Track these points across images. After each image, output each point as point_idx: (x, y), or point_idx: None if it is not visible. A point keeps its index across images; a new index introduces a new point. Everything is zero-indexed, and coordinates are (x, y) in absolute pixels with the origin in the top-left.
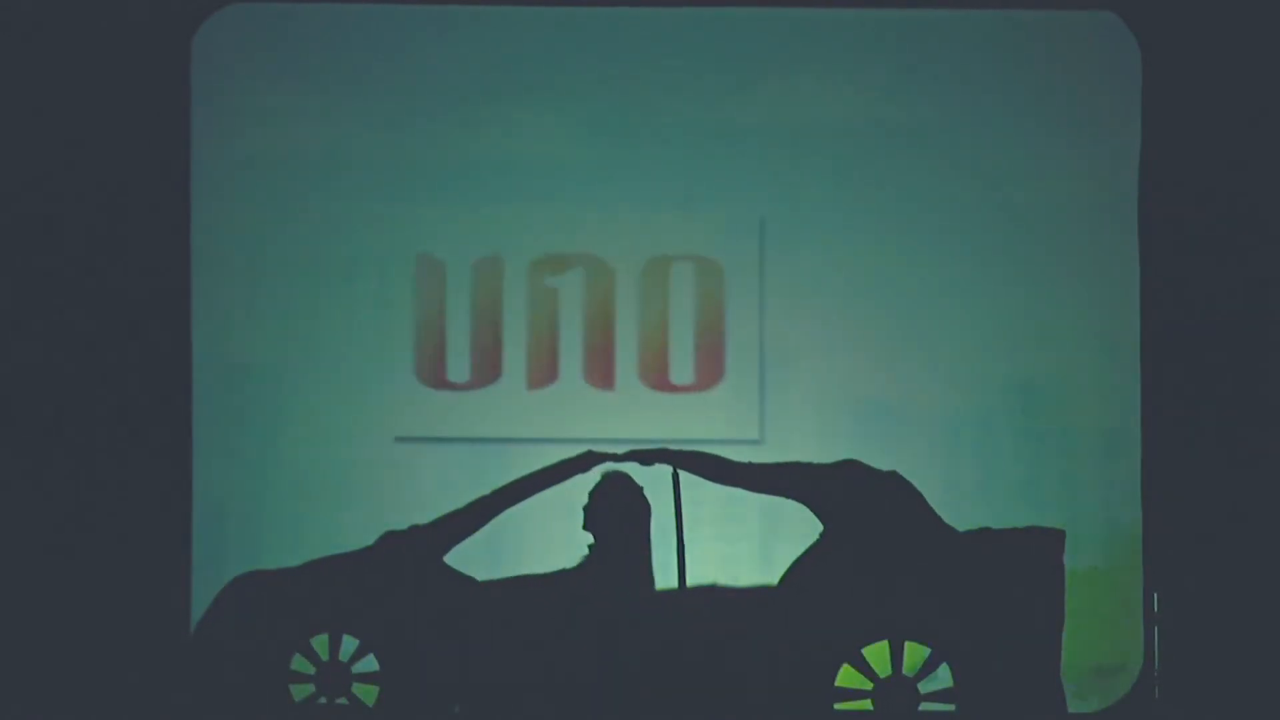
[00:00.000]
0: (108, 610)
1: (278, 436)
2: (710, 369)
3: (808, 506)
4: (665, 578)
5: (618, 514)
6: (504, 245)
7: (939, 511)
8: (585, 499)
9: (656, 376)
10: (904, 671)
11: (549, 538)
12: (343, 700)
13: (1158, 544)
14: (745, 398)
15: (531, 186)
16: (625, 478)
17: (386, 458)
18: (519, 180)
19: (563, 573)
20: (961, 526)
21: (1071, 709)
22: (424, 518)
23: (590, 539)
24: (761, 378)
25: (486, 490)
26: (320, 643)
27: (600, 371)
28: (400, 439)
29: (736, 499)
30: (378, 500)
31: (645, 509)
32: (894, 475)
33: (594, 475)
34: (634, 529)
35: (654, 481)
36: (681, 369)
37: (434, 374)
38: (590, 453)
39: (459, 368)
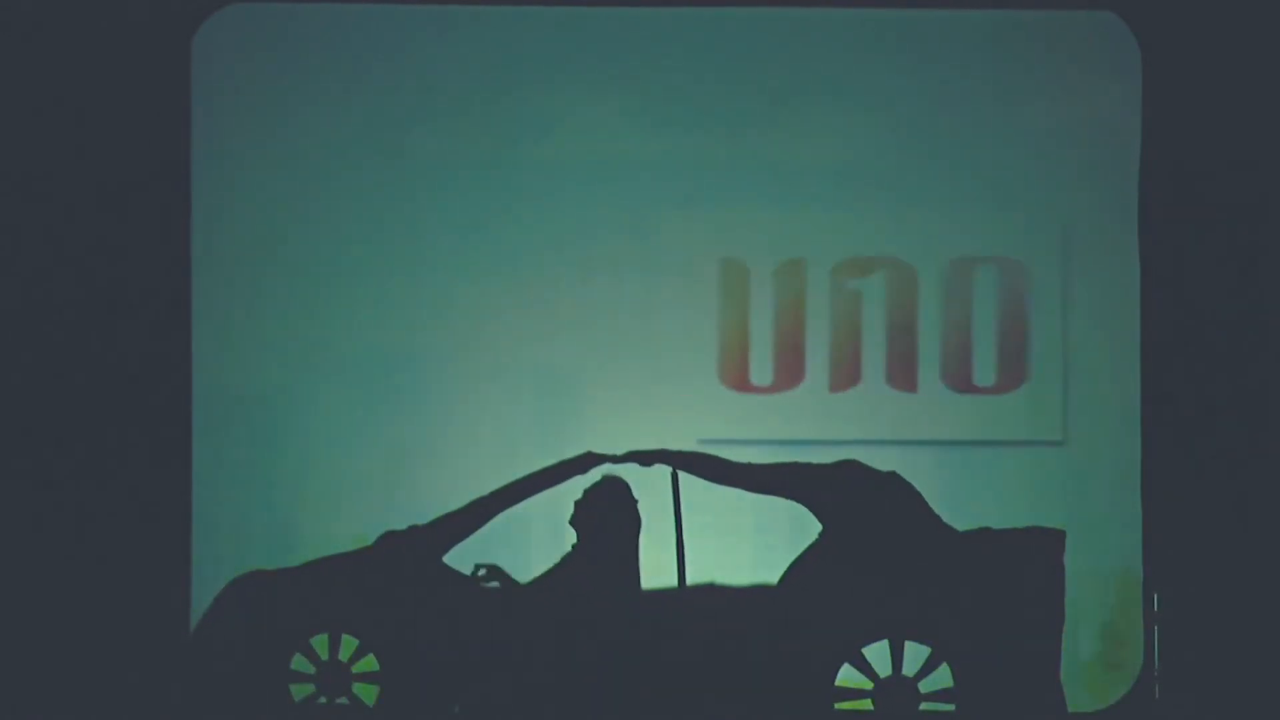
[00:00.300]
0: (108, 610)
1: (569, 439)
2: (1013, 371)
3: (806, 507)
4: (665, 579)
5: (605, 518)
6: (807, 248)
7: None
8: (579, 495)
9: (959, 378)
10: (904, 671)
11: (546, 539)
12: (343, 700)
13: (1158, 544)
14: (1048, 399)
15: (835, 190)
16: (623, 486)
17: None
18: (823, 184)
19: (546, 572)
20: (961, 526)
21: (1071, 709)
22: (721, 519)
23: (573, 537)
24: (1065, 379)
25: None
26: (320, 643)
27: (903, 374)
28: (703, 441)
29: (736, 499)
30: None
31: (634, 520)
32: (893, 475)
33: (593, 476)
34: (620, 536)
35: (653, 482)
36: (984, 371)
37: (737, 377)
38: (590, 454)
39: (762, 370)
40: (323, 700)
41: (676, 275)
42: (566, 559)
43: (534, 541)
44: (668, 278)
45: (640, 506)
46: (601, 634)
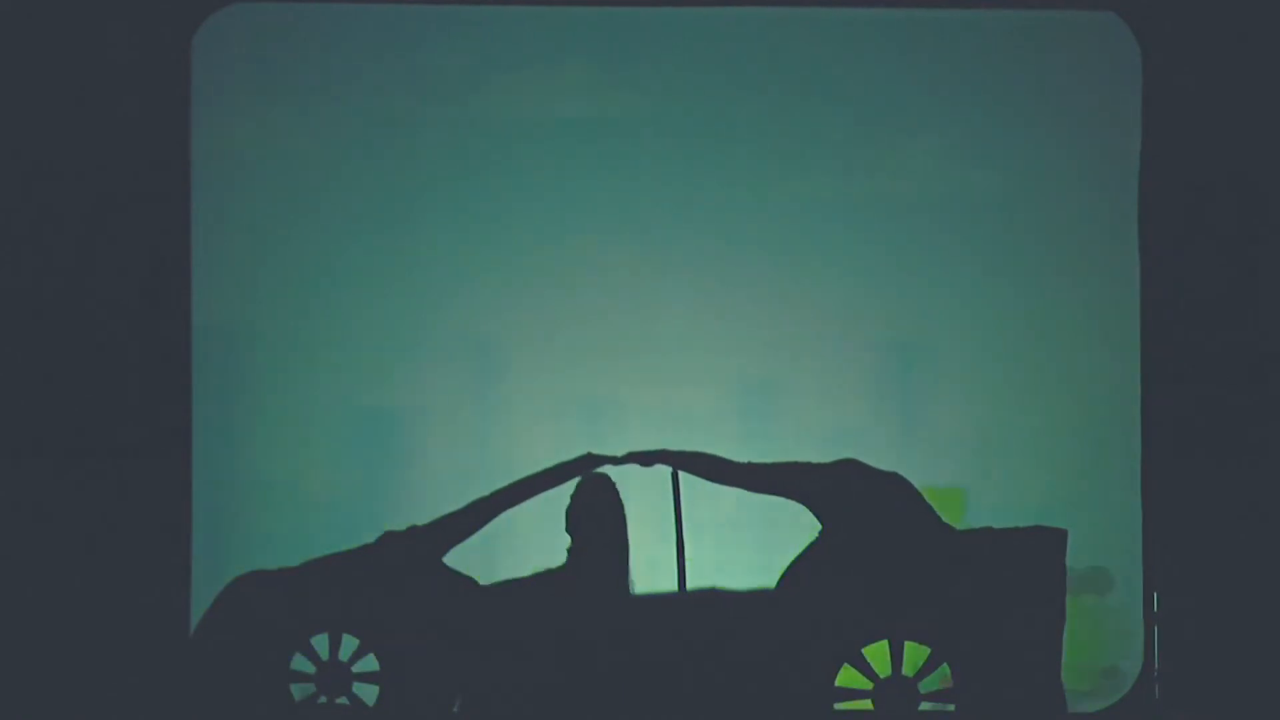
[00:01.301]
0: (108, 610)
1: None
2: None
3: (806, 506)
4: (665, 580)
5: (592, 517)
6: None
7: None
8: (568, 502)
9: None
10: (904, 671)
11: (546, 540)
12: (343, 700)
13: (1158, 544)
14: None
15: None
16: (602, 480)
17: None
18: None
19: (546, 574)
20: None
21: (1071, 709)
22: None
23: (569, 542)
24: None
25: None
26: (320, 643)
27: None
28: None
29: (736, 499)
30: None
31: (618, 511)
32: (894, 476)
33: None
34: (608, 531)
35: (654, 483)
36: None
37: None
38: (589, 455)
39: None
40: (323, 700)
41: None
42: (566, 563)
43: (534, 542)
44: None
45: (632, 502)
46: (590, 633)
